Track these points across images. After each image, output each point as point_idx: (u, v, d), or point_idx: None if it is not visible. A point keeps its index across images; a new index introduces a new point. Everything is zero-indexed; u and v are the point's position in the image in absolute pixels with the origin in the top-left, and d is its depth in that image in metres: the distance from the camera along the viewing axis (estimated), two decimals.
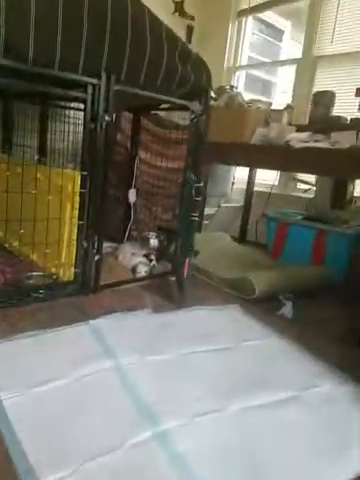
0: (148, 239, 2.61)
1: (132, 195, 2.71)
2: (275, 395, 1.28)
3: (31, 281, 1.82)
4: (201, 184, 1.84)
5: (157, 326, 1.68)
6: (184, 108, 2.17)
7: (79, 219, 1.83)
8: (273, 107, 2.95)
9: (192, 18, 3.53)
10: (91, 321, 1.64)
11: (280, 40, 3.74)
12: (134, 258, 2.32)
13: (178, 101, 2.04)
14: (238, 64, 3.64)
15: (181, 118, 2.62)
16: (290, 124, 2.75)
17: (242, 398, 1.25)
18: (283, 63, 3.57)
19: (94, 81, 1.70)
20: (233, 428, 1.12)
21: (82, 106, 2.17)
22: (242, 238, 3.32)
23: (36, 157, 2.07)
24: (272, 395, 1.28)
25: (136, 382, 1.27)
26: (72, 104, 2.46)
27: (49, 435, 1.03)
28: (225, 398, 1.24)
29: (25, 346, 1.42)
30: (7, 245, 1.90)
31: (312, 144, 2.38)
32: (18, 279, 1.81)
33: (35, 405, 1.13)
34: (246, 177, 3.35)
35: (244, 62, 3.66)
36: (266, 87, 3.88)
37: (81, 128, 1.99)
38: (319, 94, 2.85)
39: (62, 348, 1.44)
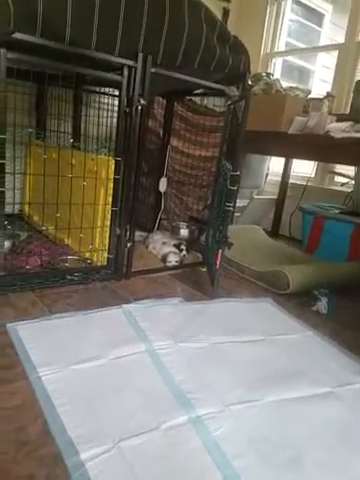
0: (179, 229, 2.58)
1: (163, 184, 2.66)
2: (310, 389, 1.26)
3: (67, 264, 1.85)
4: (238, 173, 1.76)
5: (189, 314, 1.66)
6: (220, 93, 2.10)
7: (112, 205, 1.82)
8: (312, 95, 2.82)
9: (228, 0, 3.40)
10: (124, 305, 1.66)
11: (320, 25, 3.57)
12: (165, 247, 2.29)
13: (215, 86, 1.98)
14: (276, 50, 3.49)
15: (216, 106, 2.53)
16: (330, 113, 2.62)
17: (276, 390, 1.23)
18: (324, 49, 3.40)
19: (130, 63, 1.67)
20: (268, 418, 1.11)
21: (116, 92, 2.14)
22: (275, 232, 3.22)
23: (71, 140, 2.06)
24: (307, 389, 1.26)
25: (170, 367, 1.27)
26: (106, 89, 2.43)
27: (87, 411, 1.04)
28: (259, 389, 1.22)
29: (62, 325, 1.45)
30: (44, 228, 1.92)
31: (353, 134, 2.26)
32: (54, 262, 1.85)
33: (73, 382, 1.14)
34: (281, 169, 3.25)
35: (281, 48, 3.51)
36: (303, 75, 3.72)
37: (115, 114, 1.96)
38: None
39: (97, 329, 1.46)
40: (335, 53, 3.16)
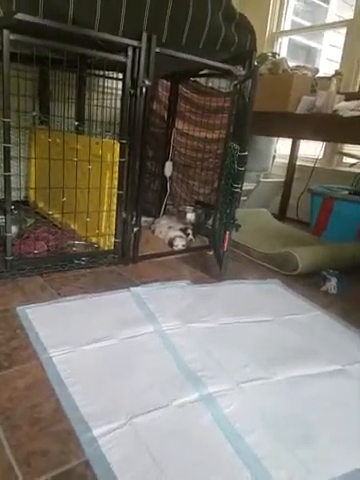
0: (185, 213, 2.56)
1: (168, 168, 2.64)
2: (321, 367, 1.27)
3: (75, 248, 1.86)
4: (246, 153, 1.74)
5: (197, 296, 1.66)
6: (227, 73, 2.05)
7: (118, 189, 1.81)
8: (320, 74, 2.75)
9: None
10: (132, 288, 1.67)
11: (327, 1, 3.46)
12: (171, 231, 2.28)
13: (221, 65, 1.93)
14: (281, 29, 3.41)
15: (222, 88, 2.48)
16: (339, 92, 2.56)
17: (287, 368, 1.24)
18: (332, 26, 3.30)
19: (135, 43, 1.63)
20: (279, 396, 1.11)
21: (120, 75, 2.11)
22: (282, 215, 3.19)
23: (75, 123, 2.04)
24: (318, 367, 1.27)
25: (179, 346, 1.28)
26: (109, 73, 2.40)
27: (98, 390, 1.05)
28: (269, 367, 1.23)
29: (71, 308, 1.46)
30: (50, 213, 1.92)
31: None
32: (60, 247, 1.85)
33: (84, 362, 1.16)
34: (288, 151, 3.20)
35: (287, 27, 3.43)
36: (310, 55, 3.64)
37: (118, 98, 1.93)
38: None
39: (106, 311, 1.46)
40: (343, 31, 3.07)
